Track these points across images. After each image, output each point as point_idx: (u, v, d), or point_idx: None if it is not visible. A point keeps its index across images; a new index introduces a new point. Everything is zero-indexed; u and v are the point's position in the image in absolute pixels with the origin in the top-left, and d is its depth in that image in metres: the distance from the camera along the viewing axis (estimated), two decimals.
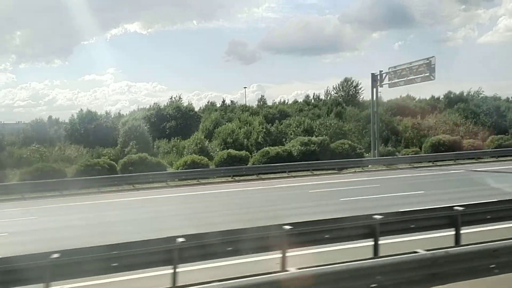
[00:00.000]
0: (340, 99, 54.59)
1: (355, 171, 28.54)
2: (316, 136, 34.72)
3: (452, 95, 54.96)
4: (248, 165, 29.84)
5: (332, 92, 61.17)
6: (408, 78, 30.31)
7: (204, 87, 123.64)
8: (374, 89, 32.94)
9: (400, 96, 52.49)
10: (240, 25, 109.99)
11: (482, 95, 54.61)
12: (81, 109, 45.41)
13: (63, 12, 61.98)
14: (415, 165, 30.49)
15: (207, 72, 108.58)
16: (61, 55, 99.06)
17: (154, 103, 56.39)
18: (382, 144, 35.63)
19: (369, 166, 30.18)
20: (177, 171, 28.34)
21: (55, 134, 43.16)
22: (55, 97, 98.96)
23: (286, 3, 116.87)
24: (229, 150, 31.80)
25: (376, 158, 31.76)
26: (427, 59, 28.98)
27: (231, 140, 37.21)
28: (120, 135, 38.83)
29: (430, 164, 31.05)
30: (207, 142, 37.15)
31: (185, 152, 34.42)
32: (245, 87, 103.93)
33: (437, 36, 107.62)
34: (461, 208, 8.91)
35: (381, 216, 8.37)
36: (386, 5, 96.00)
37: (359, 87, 58.65)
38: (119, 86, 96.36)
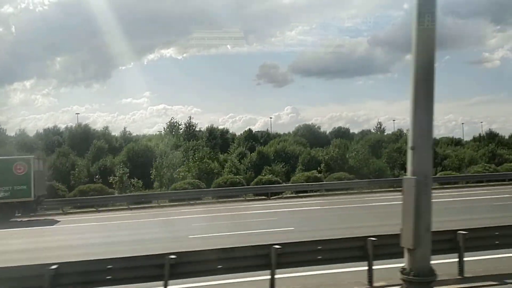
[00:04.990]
0: None
1: None
2: None
3: None
4: None
5: None
6: None
7: (240, 109, 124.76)
8: None
9: None
10: (274, 48, 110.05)
11: None
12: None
13: (101, 39, 64.72)
14: None
15: (240, 95, 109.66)
16: (99, 79, 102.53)
17: None
18: None
19: None
20: None
21: None
22: (95, 120, 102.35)
23: (321, 26, 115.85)
24: None
25: None
26: None
27: None
28: None
29: None
30: None
31: None
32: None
33: (473, 57, 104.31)
34: None
35: None
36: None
37: None
38: (156, 109, 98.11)
